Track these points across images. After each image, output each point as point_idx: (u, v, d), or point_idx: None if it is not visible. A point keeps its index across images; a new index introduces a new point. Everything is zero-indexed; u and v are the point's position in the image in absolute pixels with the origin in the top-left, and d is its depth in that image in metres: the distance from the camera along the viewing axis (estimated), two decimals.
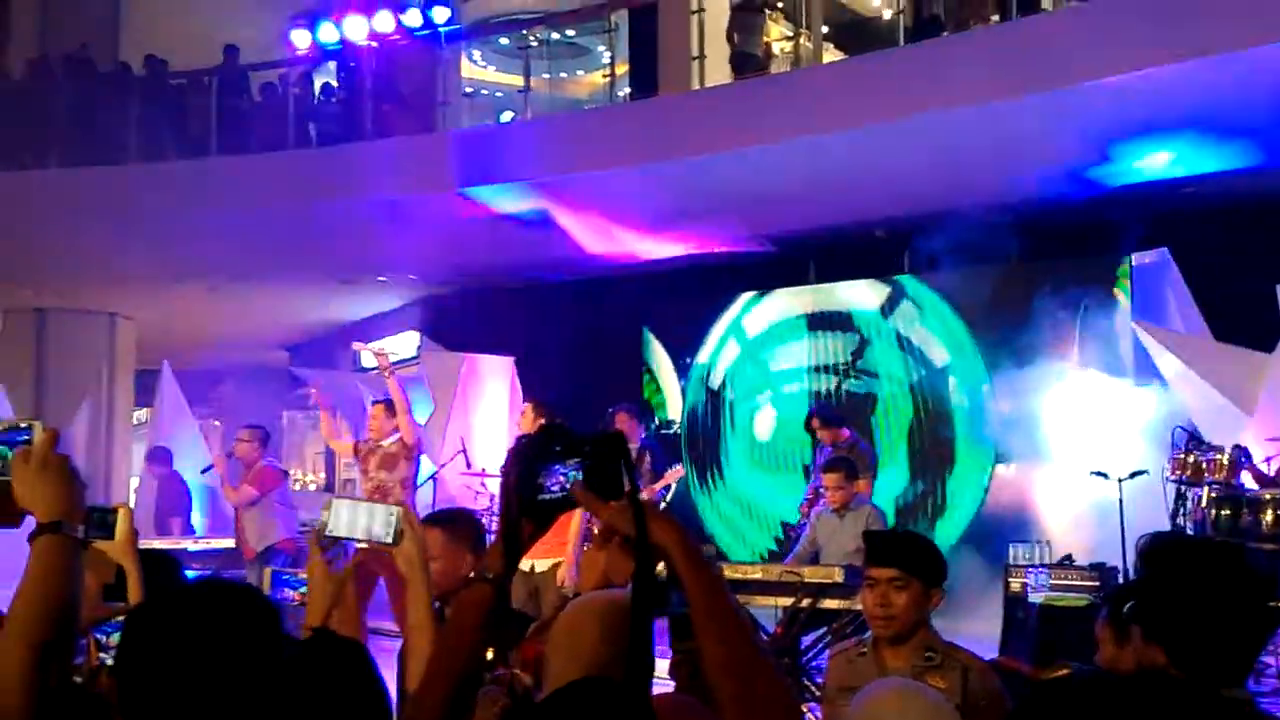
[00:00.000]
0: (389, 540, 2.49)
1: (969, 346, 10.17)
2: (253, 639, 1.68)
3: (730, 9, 10.28)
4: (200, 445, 11.76)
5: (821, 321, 11.04)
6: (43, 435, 1.93)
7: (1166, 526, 7.07)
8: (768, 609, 6.70)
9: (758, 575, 6.97)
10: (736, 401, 11.42)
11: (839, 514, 7.11)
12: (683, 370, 11.75)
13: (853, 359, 10.80)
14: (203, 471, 9.89)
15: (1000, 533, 8.94)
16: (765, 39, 12.65)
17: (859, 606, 4.06)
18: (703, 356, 11.66)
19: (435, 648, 1.73)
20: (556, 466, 1.64)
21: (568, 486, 1.63)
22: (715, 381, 11.54)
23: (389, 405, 7.89)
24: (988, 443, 9.94)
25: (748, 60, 10.18)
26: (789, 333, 11.21)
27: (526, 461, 1.66)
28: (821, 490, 7.40)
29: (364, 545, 2.57)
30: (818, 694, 5.39)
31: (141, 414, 15.01)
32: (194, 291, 13.18)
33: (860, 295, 10.88)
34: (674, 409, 11.76)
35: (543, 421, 7.26)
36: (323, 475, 17.22)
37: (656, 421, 11.64)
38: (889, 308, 10.69)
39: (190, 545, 8.90)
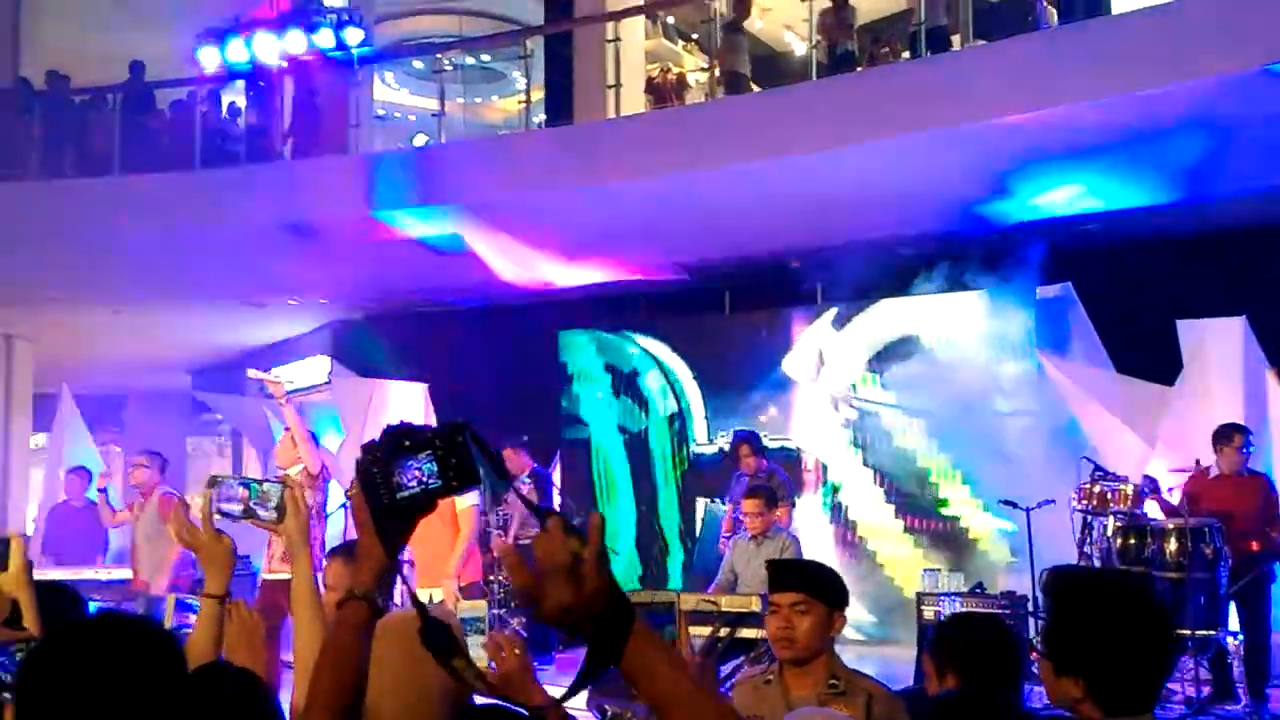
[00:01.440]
0: (273, 519, 2.51)
1: None
2: (151, 674, 1.66)
3: (721, 30, 10.29)
4: (100, 471, 11.40)
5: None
6: None
7: (1074, 556, 7.23)
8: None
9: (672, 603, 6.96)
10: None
11: (756, 541, 7.15)
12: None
13: None
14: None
15: None
16: (680, 69, 12.81)
17: None
18: None
19: (315, 671, 1.69)
20: (409, 462, 1.61)
21: (425, 481, 1.60)
22: None
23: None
24: None
25: (738, 79, 10.17)
26: None
27: (377, 465, 1.62)
28: (740, 517, 7.44)
29: (250, 522, 2.60)
30: None
31: (39, 439, 14.53)
32: (96, 313, 12.83)
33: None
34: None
35: None
36: None
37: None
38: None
39: (94, 575, 8.61)
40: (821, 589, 3.36)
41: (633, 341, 11.67)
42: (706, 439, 11.22)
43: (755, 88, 12.05)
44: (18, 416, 13.51)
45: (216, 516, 2.61)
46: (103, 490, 9.59)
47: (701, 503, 11.15)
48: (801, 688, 3.29)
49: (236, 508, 2.57)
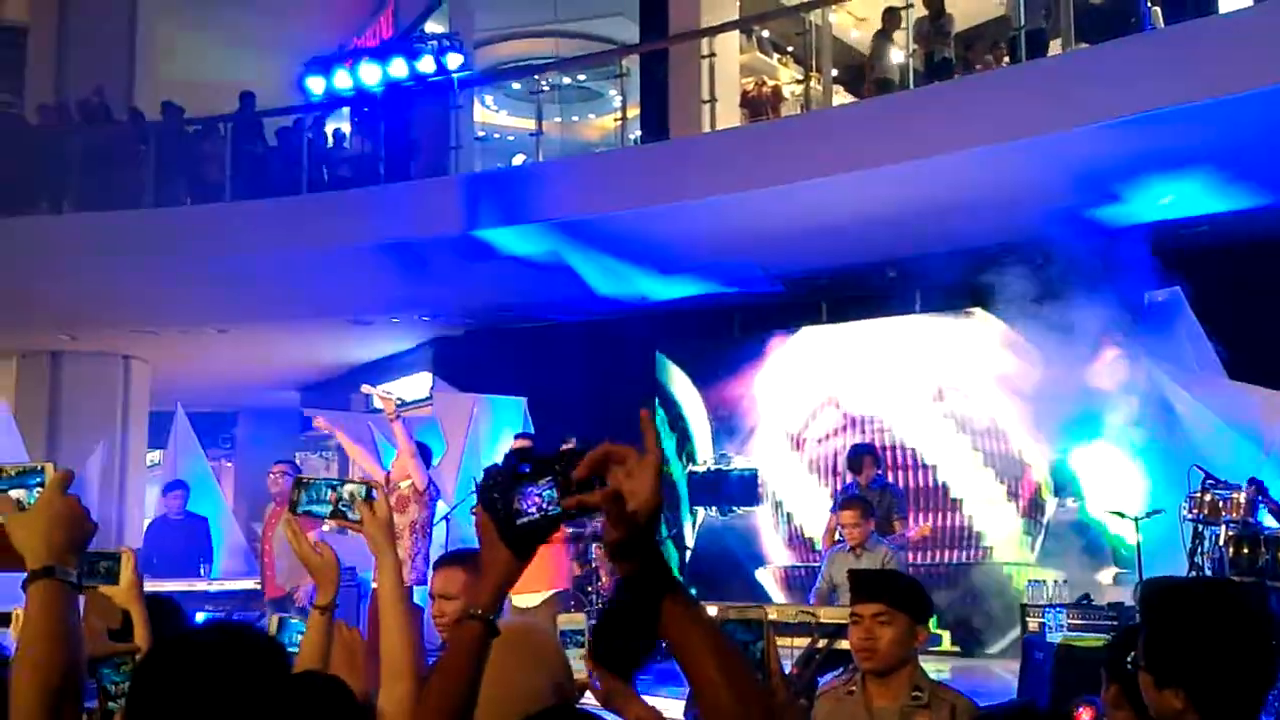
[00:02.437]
0: (355, 518, 2.53)
1: None
2: (258, 681, 1.68)
3: (915, 23, 10.15)
4: (214, 486, 11.76)
5: None
6: (54, 477, 1.93)
7: (1185, 566, 7.02)
8: (784, 649, 6.64)
9: (773, 615, 6.92)
10: None
11: (855, 552, 7.07)
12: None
13: None
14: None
15: None
16: (776, 81, 12.80)
17: None
18: None
19: (426, 691, 1.70)
20: (529, 488, 1.60)
21: (544, 507, 1.59)
22: None
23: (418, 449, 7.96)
24: None
25: (945, 65, 10.08)
26: None
27: (498, 490, 1.62)
28: (839, 528, 7.36)
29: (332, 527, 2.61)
30: None
31: (155, 455, 15.04)
32: (207, 334, 13.26)
33: None
34: (704, 448, 11.83)
35: None
36: None
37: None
38: None
39: (204, 587, 8.85)
40: (904, 600, 3.35)
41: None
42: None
43: (851, 96, 12.02)
44: (135, 434, 14.01)
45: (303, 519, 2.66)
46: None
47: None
48: (884, 698, 3.29)
49: (324, 509, 2.62)
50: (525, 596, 6.86)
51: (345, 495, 2.58)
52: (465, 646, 1.67)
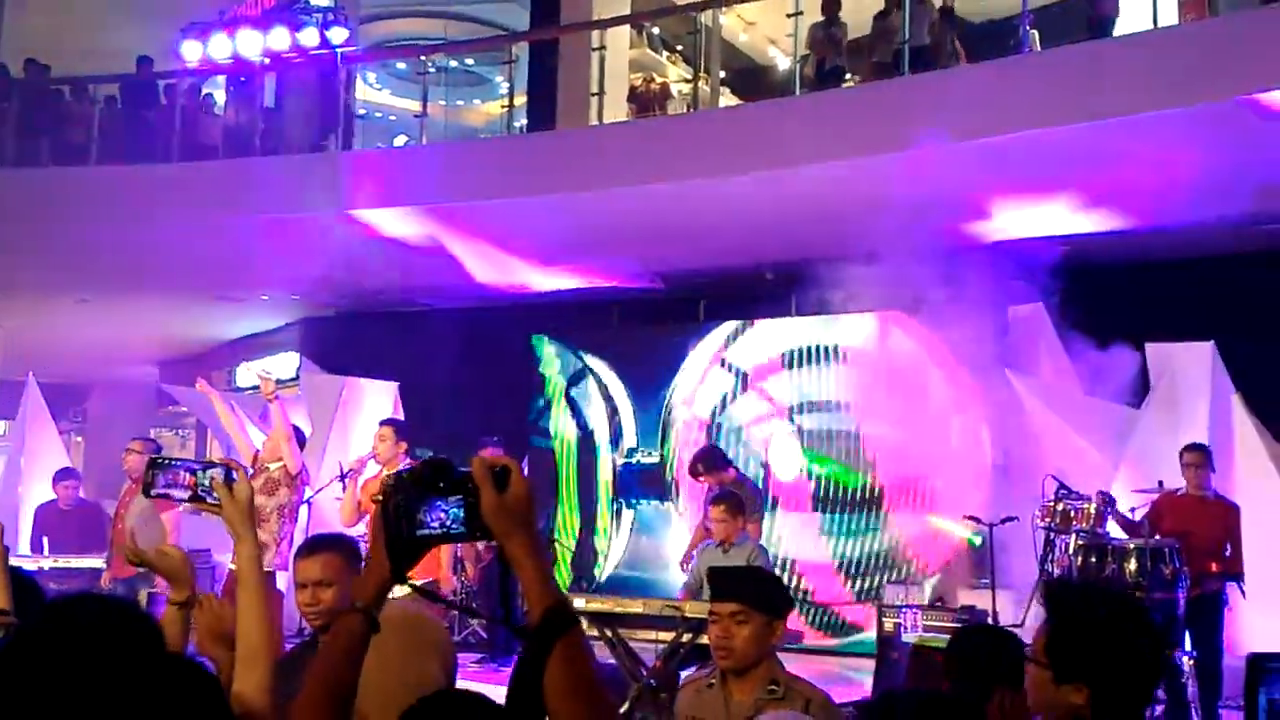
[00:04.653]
0: (215, 501, 2.50)
1: None
2: (135, 660, 1.64)
3: (809, 30, 10.19)
4: (63, 460, 11.29)
5: None
6: None
7: (1035, 572, 7.27)
8: (648, 643, 6.69)
9: (638, 609, 6.95)
10: None
11: (723, 548, 7.12)
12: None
13: None
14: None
15: None
16: (664, 79, 12.85)
17: None
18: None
19: (308, 678, 1.72)
20: (438, 502, 1.61)
21: (449, 525, 1.60)
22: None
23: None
24: None
25: (836, 73, 10.11)
26: None
27: (403, 496, 1.62)
28: (708, 526, 7.40)
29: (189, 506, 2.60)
30: None
31: (2, 425, 14.41)
32: (63, 302, 12.74)
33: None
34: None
35: (405, 446, 7.20)
36: None
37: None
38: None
39: (46, 564, 8.48)
40: (760, 598, 3.40)
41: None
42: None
43: (737, 99, 12.15)
44: None
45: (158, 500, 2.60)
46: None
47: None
48: (742, 692, 3.35)
49: (182, 493, 2.55)
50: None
51: (205, 479, 2.52)
52: (346, 638, 1.69)
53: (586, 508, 11.61)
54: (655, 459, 11.39)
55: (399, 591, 1.80)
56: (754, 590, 3.44)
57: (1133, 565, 6.83)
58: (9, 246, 10.91)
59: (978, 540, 8.35)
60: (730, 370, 11.06)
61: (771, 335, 10.87)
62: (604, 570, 11.39)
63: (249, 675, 2.32)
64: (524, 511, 1.62)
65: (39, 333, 13.86)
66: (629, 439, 11.57)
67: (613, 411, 11.68)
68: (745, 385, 10.94)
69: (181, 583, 2.57)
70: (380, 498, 1.67)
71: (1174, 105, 7.36)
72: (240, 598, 2.44)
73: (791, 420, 10.59)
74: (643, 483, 11.47)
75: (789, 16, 10.23)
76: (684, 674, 6.70)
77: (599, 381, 11.75)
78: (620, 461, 11.56)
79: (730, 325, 11.10)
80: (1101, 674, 2.18)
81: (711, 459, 8.72)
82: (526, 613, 1.61)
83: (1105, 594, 2.52)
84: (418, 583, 6.68)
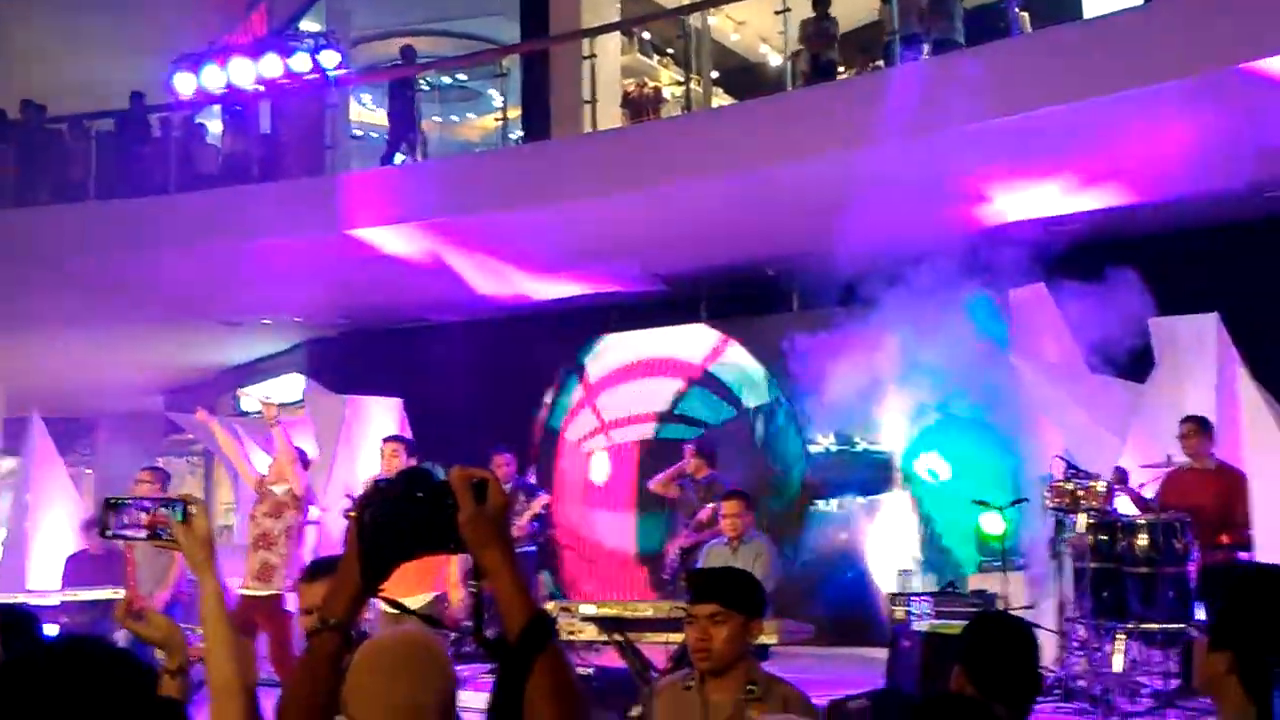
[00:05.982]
0: (174, 540, 2.45)
1: None
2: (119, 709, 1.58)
3: (801, 25, 10.12)
4: (71, 496, 11.30)
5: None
6: None
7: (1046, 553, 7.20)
8: (658, 645, 6.64)
9: (648, 612, 6.90)
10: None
11: (731, 546, 7.08)
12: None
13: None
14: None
15: None
16: (656, 83, 12.85)
17: None
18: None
19: (283, 696, 1.67)
20: (413, 513, 1.58)
21: (421, 535, 1.58)
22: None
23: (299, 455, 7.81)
24: None
25: (829, 67, 10.02)
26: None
27: (384, 505, 1.59)
28: (719, 517, 7.35)
29: (147, 543, 2.57)
30: None
31: (9, 463, 14.42)
32: (67, 336, 12.79)
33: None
34: None
35: (414, 462, 7.20)
36: None
37: None
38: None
39: (53, 599, 8.45)
40: (737, 599, 3.39)
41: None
42: None
43: (730, 99, 12.13)
44: None
45: (119, 542, 2.57)
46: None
47: None
48: (720, 693, 3.35)
49: (139, 533, 2.51)
50: (407, 600, 6.74)
51: (161, 517, 2.48)
52: (321, 658, 1.64)
53: None
54: None
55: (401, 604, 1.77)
56: (731, 591, 3.43)
57: (1143, 541, 6.76)
58: (11, 283, 10.96)
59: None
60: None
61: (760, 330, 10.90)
62: None
63: (227, 708, 2.29)
64: (502, 523, 1.60)
65: (42, 368, 13.91)
66: None
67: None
68: None
69: (173, 649, 2.49)
70: (357, 509, 1.62)
71: (1169, 78, 7.30)
72: (206, 633, 2.41)
73: None
74: None
75: (777, 14, 10.21)
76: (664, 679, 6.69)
77: None
78: None
79: None
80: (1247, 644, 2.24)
81: (705, 451, 8.73)
82: (503, 626, 1.58)
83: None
84: (413, 604, 6.68)
